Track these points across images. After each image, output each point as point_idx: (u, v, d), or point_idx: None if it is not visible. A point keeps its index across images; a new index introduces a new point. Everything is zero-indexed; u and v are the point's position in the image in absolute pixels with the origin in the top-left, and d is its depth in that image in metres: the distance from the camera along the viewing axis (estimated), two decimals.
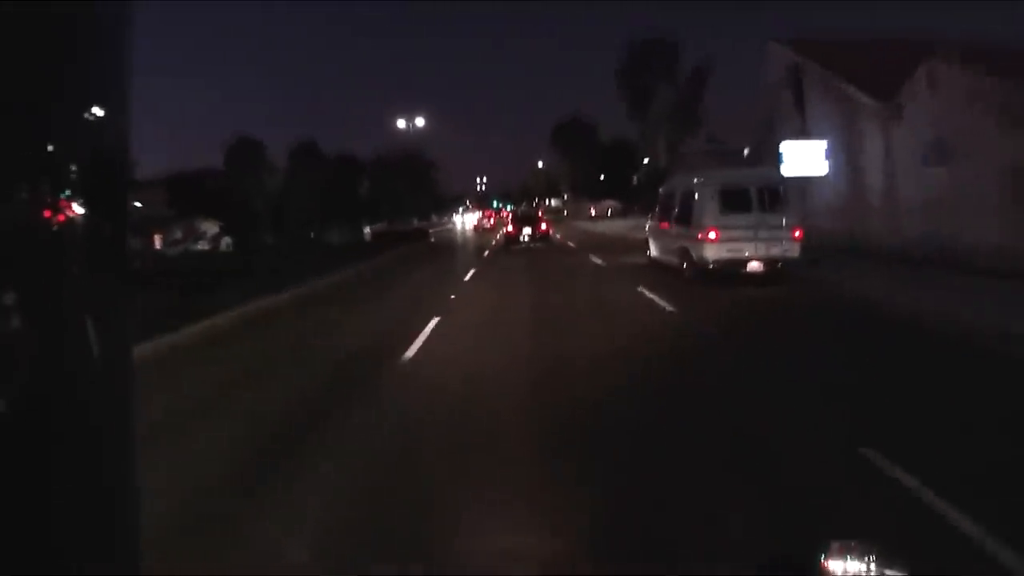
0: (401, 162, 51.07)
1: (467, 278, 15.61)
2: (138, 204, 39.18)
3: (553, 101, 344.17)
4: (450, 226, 71.89)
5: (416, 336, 8.41)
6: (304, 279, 15.91)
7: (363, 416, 5.22)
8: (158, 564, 2.43)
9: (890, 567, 0.95)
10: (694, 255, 11.84)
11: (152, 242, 39.01)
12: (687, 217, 12.29)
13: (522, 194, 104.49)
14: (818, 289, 11.02)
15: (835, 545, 0.99)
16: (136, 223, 34.80)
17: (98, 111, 0.59)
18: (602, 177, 60.48)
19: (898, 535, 2.83)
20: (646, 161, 46.77)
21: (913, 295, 9.49)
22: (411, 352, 7.54)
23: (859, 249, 15.10)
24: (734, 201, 11.37)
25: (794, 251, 11.33)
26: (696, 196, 12.06)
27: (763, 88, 22.27)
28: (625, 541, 2.96)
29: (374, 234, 40.83)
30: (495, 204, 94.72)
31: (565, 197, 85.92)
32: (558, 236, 31.14)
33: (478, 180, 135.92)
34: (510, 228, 25.20)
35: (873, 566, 0.95)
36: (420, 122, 36.57)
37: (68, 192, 0.56)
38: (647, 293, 11.07)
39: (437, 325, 9.27)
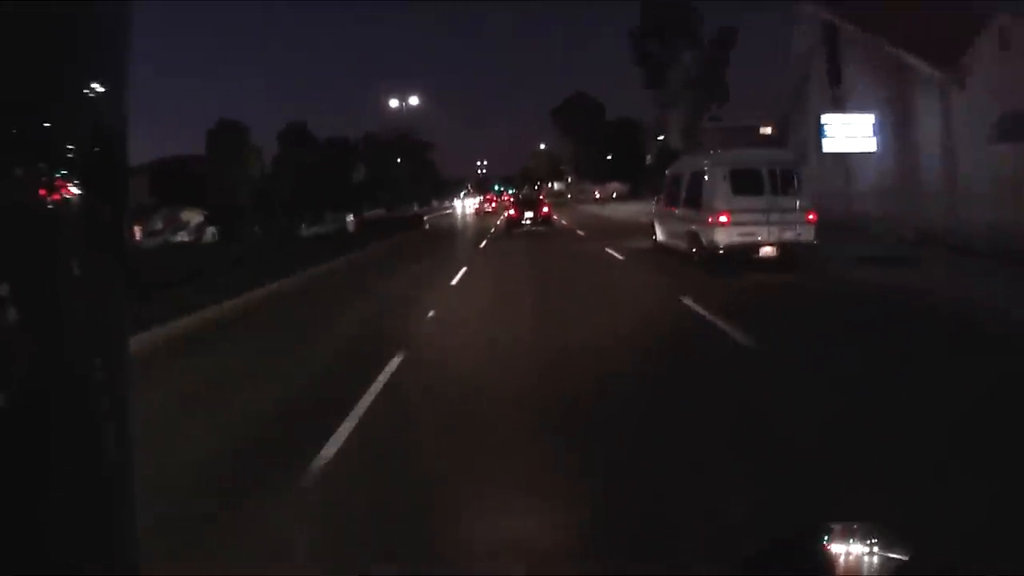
0: (394, 142, 48.81)
1: (455, 281, 12.25)
2: None
3: (556, 82, 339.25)
4: (449, 211, 70.01)
5: (349, 413, 4.74)
6: (238, 289, 12.38)
7: None
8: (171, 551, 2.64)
9: (892, 549, 0.94)
10: (704, 239, 11.48)
11: (132, 234, 37.37)
12: (696, 200, 11.95)
13: (524, 177, 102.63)
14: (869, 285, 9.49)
15: (837, 528, 1.00)
16: None
17: (97, 87, 0.58)
18: (609, 157, 58.18)
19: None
20: (661, 138, 44.55)
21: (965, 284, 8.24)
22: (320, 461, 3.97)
23: (927, 239, 12.90)
24: (746, 183, 11.05)
25: (809, 235, 11.02)
26: (706, 177, 11.70)
27: (791, 57, 20.61)
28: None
29: (362, 222, 38.10)
30: (496, 188, 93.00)
31: (569, 180, 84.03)
32: (563, 222, 29.47)
33: (478, 164, 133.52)
34: (512, 212, 25.83)
35: (875, 548, 0.95)
36: (414, 101, 34.55)
37: (64, 171, 0.55)
38: (692, 305, 8.36)
39: (392, 381, 5.65)
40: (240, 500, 3.50)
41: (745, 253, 10.96)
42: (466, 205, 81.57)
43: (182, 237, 40.66)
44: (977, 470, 3.34)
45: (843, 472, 3.43)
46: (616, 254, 14.93)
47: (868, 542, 0.98)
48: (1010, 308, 7.10)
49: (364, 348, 7.20)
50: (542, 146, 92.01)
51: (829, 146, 13.35)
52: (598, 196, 62.35)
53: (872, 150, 14.15)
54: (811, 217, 11.07)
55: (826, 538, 1.01)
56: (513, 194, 57.11)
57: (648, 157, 38.25)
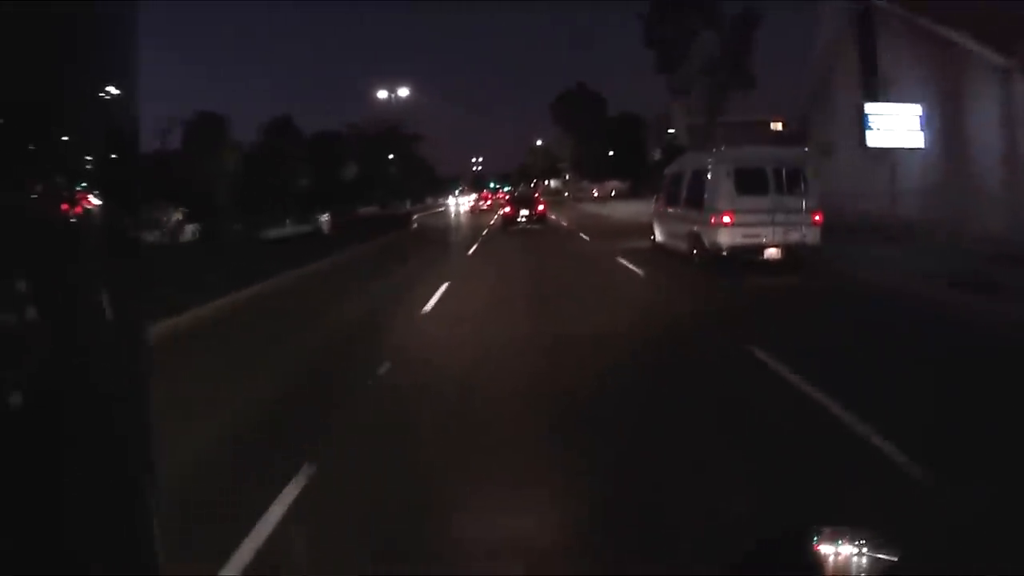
0: (381, 135, 46.75)
1: (429, 306, 9.37)
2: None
3: (556, 78, 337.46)
4: (441, 209, 68.29)
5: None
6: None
7: None
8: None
9: (881, 551, 0.96)
10: (706, 240, 11.25)
11: None
12: (698, 199, 11.69)
13: (520, 175, 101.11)
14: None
15: (826, 530, 1.00)
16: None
17: (109, 94, 0.59)
18: (611, 153, 56.29)
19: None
20: (672, 131, 42.58)
21: None
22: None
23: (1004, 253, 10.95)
24: (750, 182, 10.84)
25: (814, 237, 10.81)
26: (709, 176, 11.42)
27: (814, 46, 19.10)
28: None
29: (343, 222, 36.02)
30: (492, 186, 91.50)
31: (567, 177, 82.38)
32: (563, 223, 27.96)
33: (474, 160, 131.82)
34: (507, 210, 26.27)
35: (864, 549, 0.96)
36: (403, 92, 32.76)
37: (84, 184, 0.57)
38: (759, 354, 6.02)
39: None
40: None
41: (749, 255, 10.69)
42: (460, 203, 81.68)
43: (155, 237, 38.78)
44: None
45: None
46: (633, 267, 12.47)
47: (857, 543, 0.97)
48: None
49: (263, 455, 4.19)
50: (539, 142, 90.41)
51: (874, 140, 11.69)
52: (596, 195, 60.64)
53: (920, 146, 12.47)
54: (817, 218, 10.83)
55: (815, 539, 1.00)
56: (508, 192, 55.88)
57: (657, 152, 35.84)
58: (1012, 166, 11.82)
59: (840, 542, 0.99)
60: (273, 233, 31.78)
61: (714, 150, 12.70)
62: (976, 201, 12.54)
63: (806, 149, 25.01)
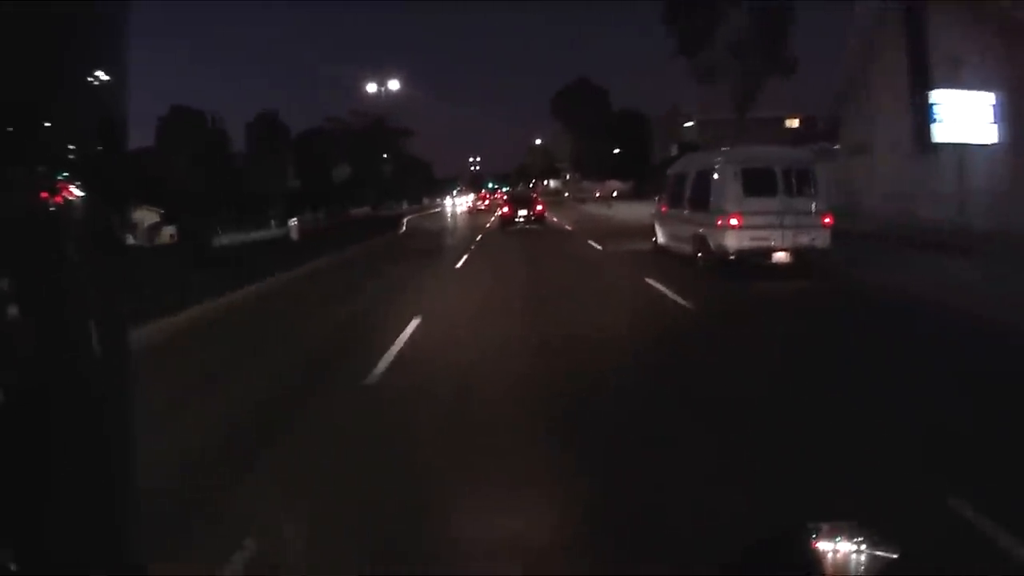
0: (369, 129, 44.58)
1: (374, 374, 5.96)
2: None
3: (553, 77, 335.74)
4: (436, 210, 66.45)
5: None
6: None
7: None
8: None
9: (881, 547, 0.96)
10: (712, 243, 11.07)
11: None
12: (703, 200, 11.55)
13: (519, 175, 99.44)
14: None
15: (825, 526, 1.01)
16: None
17: (97, 79, 0.60)
18: (616, 151, 54.26)
19: None
20: (690, 124, 40.31)
21: None
22: None
23: None
24: (758, 183, 10.67)
25: (824, 240, 10.67)
26: (715, 176, 11.31)
27: (850, 37, 18.18)
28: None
29: (327, 225, 33.88)
30: (490, 186, 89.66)
31: (567, 177, 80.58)
32: (567, 227, 26.11)
33: (471, 160, 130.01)
34: (505, 210, 26.49)
35: (863, 546, 0.96)
36: (393, 85, 30.87)
37: (66, 173, 0.57)
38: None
39: None
40: None
41: (756, 259, 10.60)
42: (457, 203, 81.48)
43: (131, 240, 36.82)
44: None
45: None
46: (675, 295, 9.36)
47: (856, 540, 0.97)
48: None
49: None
50: (538, 142, 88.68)
51: (941, 134, 9.85)
52: (598, 195, 58.76)
53: (993, 140, 10.57)
54: (827, 221, 10.73)
55: (813, 536, 1.00)
56: (507, 192, 54.42)
57: (674, 148, 33.55)
58: None
59: (839, 538, 0.98)
60: (228, 240, 28.36)
61: (721, 148, 12.60)
62: None
63: (836, 147, 23.33)
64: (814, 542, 0.99)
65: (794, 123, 37.05)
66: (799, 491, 3.35)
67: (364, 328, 8.30)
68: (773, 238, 10.54)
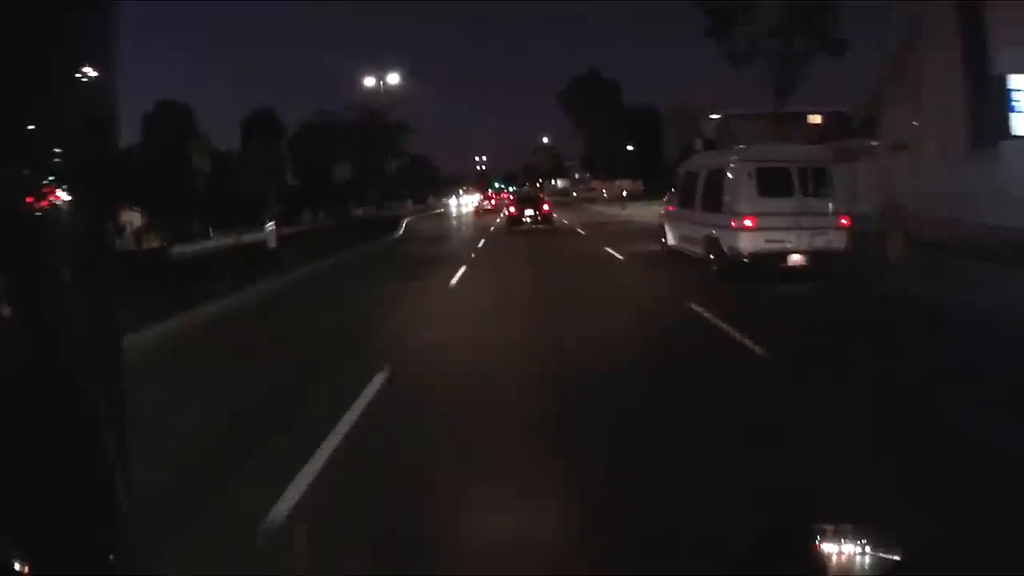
0: (365, 123, 42.83)
1: (322, 452, 4.21)
2: None
3: (560, 77, 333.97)
4: (440, 210, 64.86)
5: None
6: None
7: None
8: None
9: (884, 550, 0.97)
10: (725, 246, 10.93)
11: None
12: (716, 201, 11.38)
13: (526, 173, 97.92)
14: None
15: (829, 528, 1.01)
16: None
17: (85, 77, 0.59)
18: (630, 148, 52.27)
19: None
20: (715, 116, 38.12)
21: None
22: None
23: None
24: (774, 183, 10.44)
25: (841, 242, 10.50)
26: (729, 176, 11.14)
27: (892, 28, 17.80)
28: None
29: (319, 228, 32.01)
30: (496, 186, 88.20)
31: (576, 176, 78.91)
32: (580, 231, 24.46)
33: (477, 159, 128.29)
34: (512, 210, 27.33)
35: (867, 548, 0.97)
36: (393, 79, 29.17)
37: (52, 177, 0.56)
38: None
39: None
40: None
41: (771, 262, 10.44)
42: (462, 203, 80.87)
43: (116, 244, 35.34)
44: None
45: None
46: (752, 345, 6.63)
47: (860, 542, 0.98)
48: None
49: None
50: (545, 140, 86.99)
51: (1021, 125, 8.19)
52: (606, 195, 56.84)
53: None
54: (844, 222, 10.58)
55: (817, 538, 1.01)
56: (513, 192, 52.99)
57: (698, 143, 31.50)
58: None
59: (843, 540, 0.99)
60: (195, 248, 25.29)
61: (734, 147, 12.46)
62: None
63: (874, 144, 21.50)
64: (818, 544, 0.99)
65: (816, 119, 34.91)
66: None
67: (291, 402, 5.56)
68: (789, 240, 10.33)
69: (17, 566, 0.52)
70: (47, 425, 0.55)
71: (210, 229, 38.95)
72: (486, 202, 57.06)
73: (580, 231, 24.26)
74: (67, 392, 0.57)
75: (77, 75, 0.56)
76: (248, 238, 22.07)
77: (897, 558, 0.94)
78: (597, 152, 58.91)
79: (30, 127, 0.54)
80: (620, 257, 15.08)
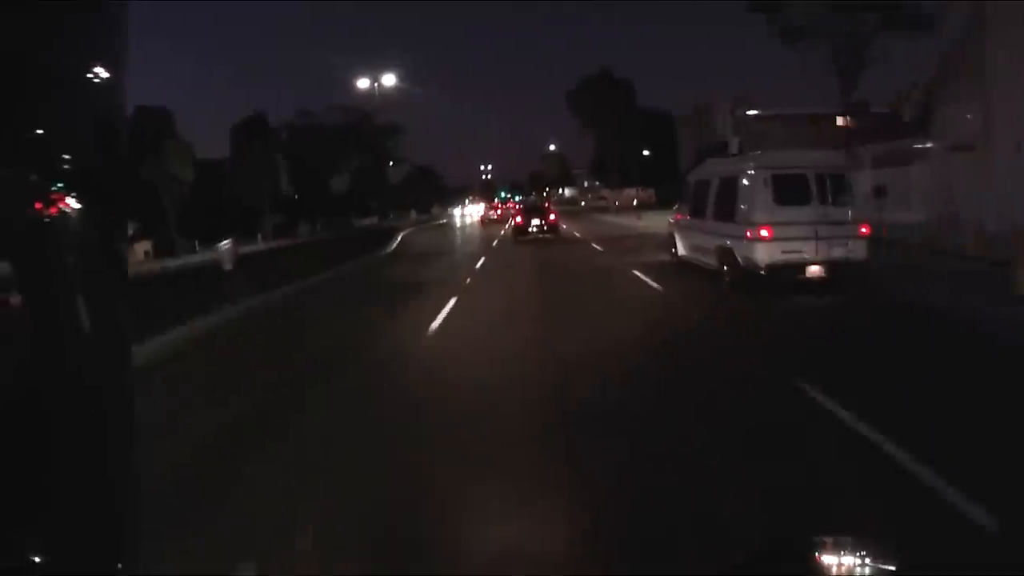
0: (353, 125, 40.83)
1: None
2: None
3: (571, 82, 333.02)
4: (443, 221, 63.05)
5: None
6: None
7: None
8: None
9: (882, 561, 0.98)
10: (740, 257, 10.65)
11: None
12: (730, 209, 11.09)
13: (533, 182, 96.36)
14: None
15: (828, 540, 1.02)
16: None
17: (95, 79, 0.57)
18: (646, 152, 50.03)
19: None
20: (752, 113, 35.41)
21: None
22: None
23: None
24: (791, 190, 10.20)
25: (860, 252, 10.24)
26: (744, 183, 10.81)
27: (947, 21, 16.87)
28: None
29: (309, 241, 29.94)
30: (502, 195, 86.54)
31: (584, 184, 77.04)
32: (597, 246, 21.88)
33: (483, 168, 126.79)
34: (518, 219, 27.75)
35: (867, 560, 0.98)
36: (389, 80, 27.27)
37: (61, 184, 0.55)
38: None
39: None
40: None
41: (788, 273, 10.14)
42: (467, 213, 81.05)
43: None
44: None
45: None
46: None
47: (859, 553, 0.99)
48: None
49: None
50: (552, 147, 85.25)
51: None
52: (617, 204, 54.69)
53: None
54: (864, 230, 10.33)
55: (816, 550, 1.02)
56: (519, 201, 51.45)
57: (733, 143, 29.17)
58: None
59: (842, 552, 0.99)
60: (147, 268, 22.56)
61: (749, 152, 12.86)
62: None
63: (929, 145, 19.33)
64: (817, 556, 1.00)
65: (840, 120, 32.28)
66: None
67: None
68: (807, 250, 10.09)
69: (29, 567, 0.53)
70: (58, 428, 0.55)
71: (196, 243, 36.90)
72: (492, 212, 56.72)
73: (596, 246, 21.77)
74: (77, 396, 0.57)
75: (87, 76, 0.55)
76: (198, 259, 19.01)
77: (893, 569, 0.97)
78: (608, 155, 56.40)
79: (38, 131, 0.53)
80: (655, 285, 11.94)
